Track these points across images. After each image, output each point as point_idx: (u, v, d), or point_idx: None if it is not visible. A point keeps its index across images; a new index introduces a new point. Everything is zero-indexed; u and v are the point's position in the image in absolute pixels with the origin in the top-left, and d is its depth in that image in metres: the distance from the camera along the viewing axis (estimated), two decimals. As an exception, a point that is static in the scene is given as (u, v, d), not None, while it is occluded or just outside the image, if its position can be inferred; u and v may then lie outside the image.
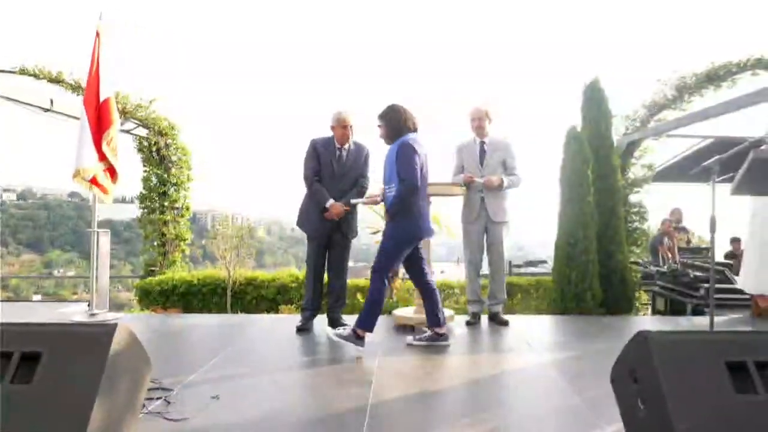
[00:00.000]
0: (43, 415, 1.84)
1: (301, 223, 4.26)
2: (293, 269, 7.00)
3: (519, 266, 9.69)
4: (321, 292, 4.31)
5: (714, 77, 6.06)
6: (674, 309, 5.81)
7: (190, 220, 7.32)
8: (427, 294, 3.75)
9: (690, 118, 5.81)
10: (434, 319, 3.71)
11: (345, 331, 3.56)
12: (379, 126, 3.65)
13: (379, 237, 6.14)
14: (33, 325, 2.07)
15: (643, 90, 6.53)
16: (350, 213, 4.19)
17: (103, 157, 4.55)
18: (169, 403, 2.52)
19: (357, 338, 3.48)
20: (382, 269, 3.54)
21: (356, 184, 4.20)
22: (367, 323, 3.49)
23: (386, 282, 3.59)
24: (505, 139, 4.51)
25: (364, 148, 4.27)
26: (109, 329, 1.99)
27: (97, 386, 1.86)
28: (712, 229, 3.05)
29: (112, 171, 4.65)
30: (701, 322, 4.82)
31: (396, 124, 3.55)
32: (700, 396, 1.85)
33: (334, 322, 4.26)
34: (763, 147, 3.46)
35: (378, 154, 3.98)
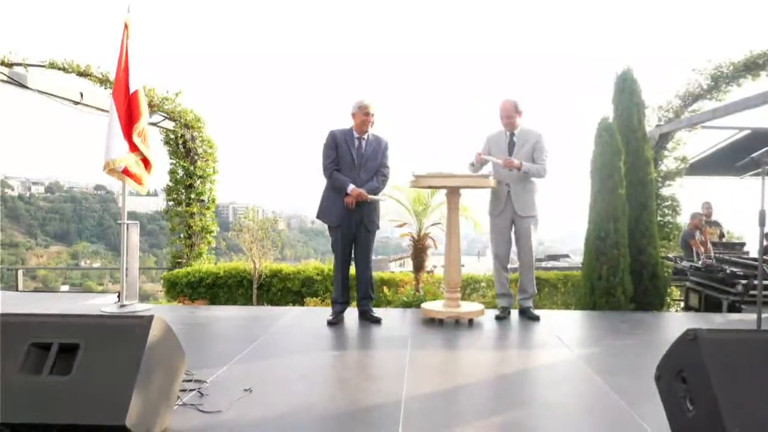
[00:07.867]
0: (82, 405, 1.85)
1: (322, 214, 4.22)
2: (318, 262, 7.01)
3: (540, 260, 9.61)
4: (349, 284, 4.28)
5: (752, 66, 5.83)
6: (709, 305, 5.65)
7: (214, 213, 7.37)
8: None
9: (726, 109, 5.61)
10: None
11: None
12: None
13: (405, 230, 6.11)
14: (71, 317, 2.08)
15: (677, 80, 6.34)
16: (371, 207, 4.15)
17: (134, 148, 4.56)
18: (202, 395, 2.52)
19: None
20: None
21: (377, 174, 4.17)
22: None
23: None
24: (536, 130, 4.40)
25: (383, 140, 4.25)
26: (145, 321, 1.99)
27: (135, 378, 1.86)
28: (762, 223, 2.94)
29: (145, 161, 4.68)
30: (739, 319, 4.67)
31: None
32: (754, 398, 1.77)
33: (365, 315, 4.24)
34: None
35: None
